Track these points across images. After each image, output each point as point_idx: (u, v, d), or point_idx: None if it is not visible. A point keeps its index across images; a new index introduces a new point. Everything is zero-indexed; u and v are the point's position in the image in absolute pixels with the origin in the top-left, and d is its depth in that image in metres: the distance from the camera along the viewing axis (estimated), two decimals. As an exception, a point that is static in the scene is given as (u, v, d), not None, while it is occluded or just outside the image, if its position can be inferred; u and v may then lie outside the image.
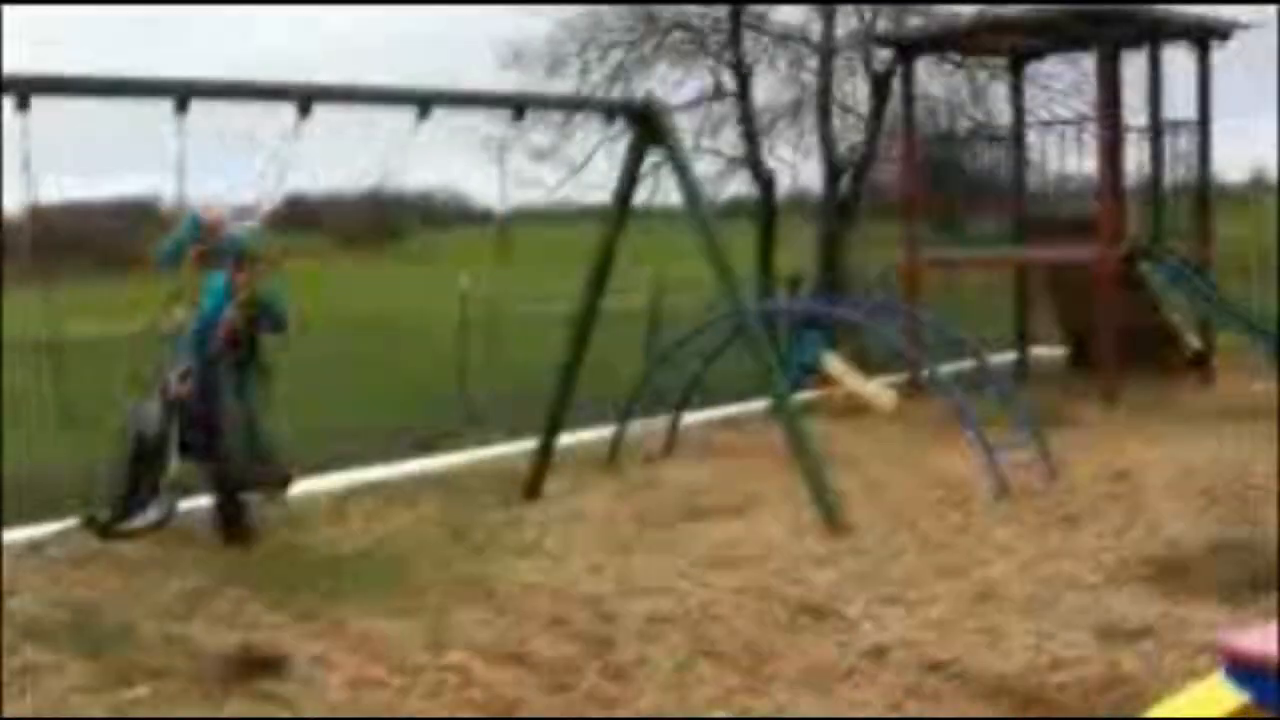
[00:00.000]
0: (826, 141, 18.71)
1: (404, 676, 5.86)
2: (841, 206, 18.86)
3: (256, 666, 5.97)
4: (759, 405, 11.68)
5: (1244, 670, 4.29)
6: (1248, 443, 10.62)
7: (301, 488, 9.26)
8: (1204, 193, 15.07)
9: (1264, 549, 7.46)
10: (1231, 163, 37.86)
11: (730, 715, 5.43)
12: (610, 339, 10.53)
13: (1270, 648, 4.34)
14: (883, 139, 18.84)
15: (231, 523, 8.20)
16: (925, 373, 11.56)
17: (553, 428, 9.46)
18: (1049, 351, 16.19)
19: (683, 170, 9.06)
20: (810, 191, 20.09)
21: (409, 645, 6.24)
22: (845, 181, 19.07)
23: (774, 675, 5.84)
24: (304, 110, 7.49)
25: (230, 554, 7.94)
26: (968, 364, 12.05)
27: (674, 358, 11.71)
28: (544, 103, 16.10)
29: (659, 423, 11.27)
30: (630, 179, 9.21)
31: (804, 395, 13.17)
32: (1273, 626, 4.53)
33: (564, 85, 18.80)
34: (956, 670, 5.82)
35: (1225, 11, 15.09)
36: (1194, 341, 14.79)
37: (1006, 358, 15.68)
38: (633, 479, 10.08)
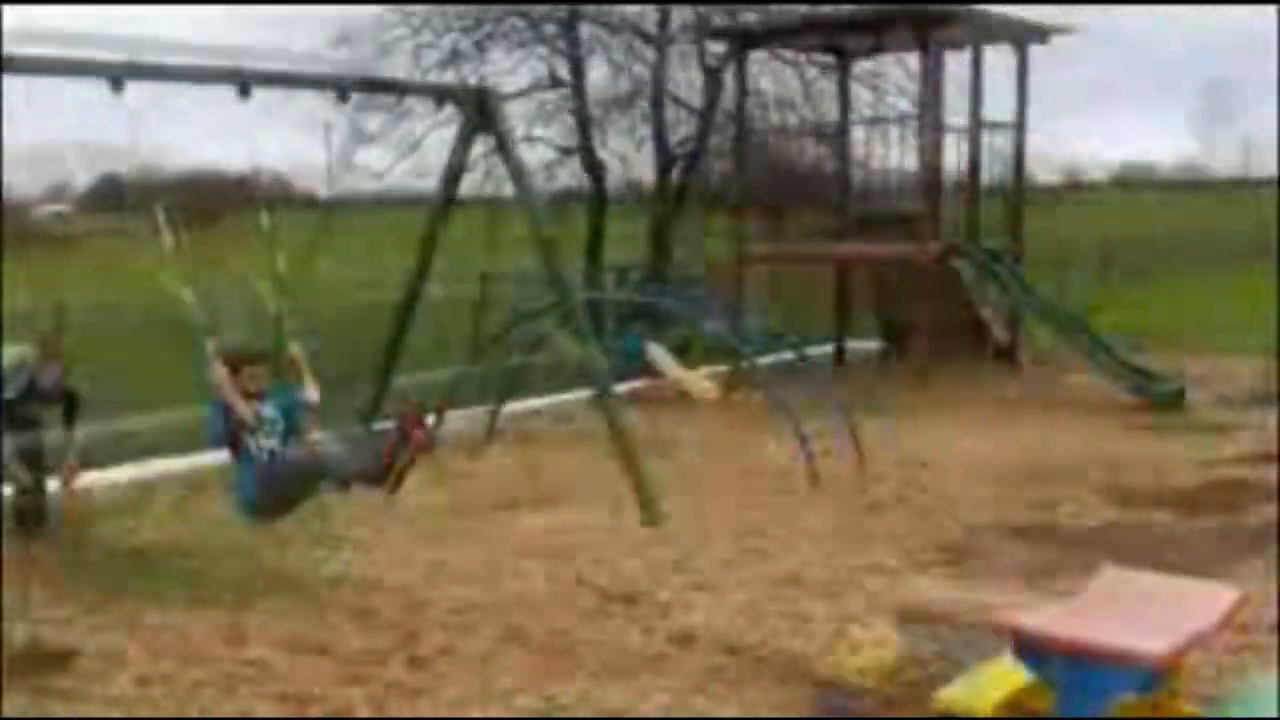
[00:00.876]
0: (659, 133, 18.80)
1: (198, 670, 5.69)
2: (673, 198, 18.98)
3: (42, 661, 5.73)
4: (582, 395, 11.69)
5: (1029, 650, 4.45)
6: (1047, 430, 11.05)
7: (103, 477, 8.94)
8: (1019, 191, 15.61)
9: (1058, 533, 7.75)
10: (1044, 163, 39.23)
11: (535, 701, 5.41)
12: (437, 327, 10.42)
13: (1052, 628, 4.51)
14: (715, 132, 19.00)
15: (25, 512, 7.85)
16: (746, 364, 11.70)
17: (369, 416, 9.29)
18: (868, 344, 16.58)
19: (512, 158, 8.99)
20: (642, 183, 20.13)
21: (206, 639, 6.07)
22: (677, 174, 19.18)
23: (580, 661, 5.85)
24: (116, 86, 7.22)
25: (19, 544, 7.59)
26: (789, 355, 12.25)
27: (498, 347, 11.63)
28: (371, 85, 15.75)
29: (480, 412, 11.19)
30: (458, 165, 9.11)
31: (628, 385, 13.24)
32: (1055, 608, 4.70)
33: (395, 69, 18.47)
34: (760, 654, 5.91)
35: (1053, 12, 15.67)
36: (1002, 334, 15.32)
37: (827, 350, 16.02)
38: (450, 469, 9.97)
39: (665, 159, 18.96)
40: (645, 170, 19.66)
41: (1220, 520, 7.97)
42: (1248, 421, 11.37)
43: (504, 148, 9.02)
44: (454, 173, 9.09)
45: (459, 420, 11.00)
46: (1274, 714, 4.40)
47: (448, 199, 9.15)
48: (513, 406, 11.73)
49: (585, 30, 18.94)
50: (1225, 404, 12.26)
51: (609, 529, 8.09)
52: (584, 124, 18.86)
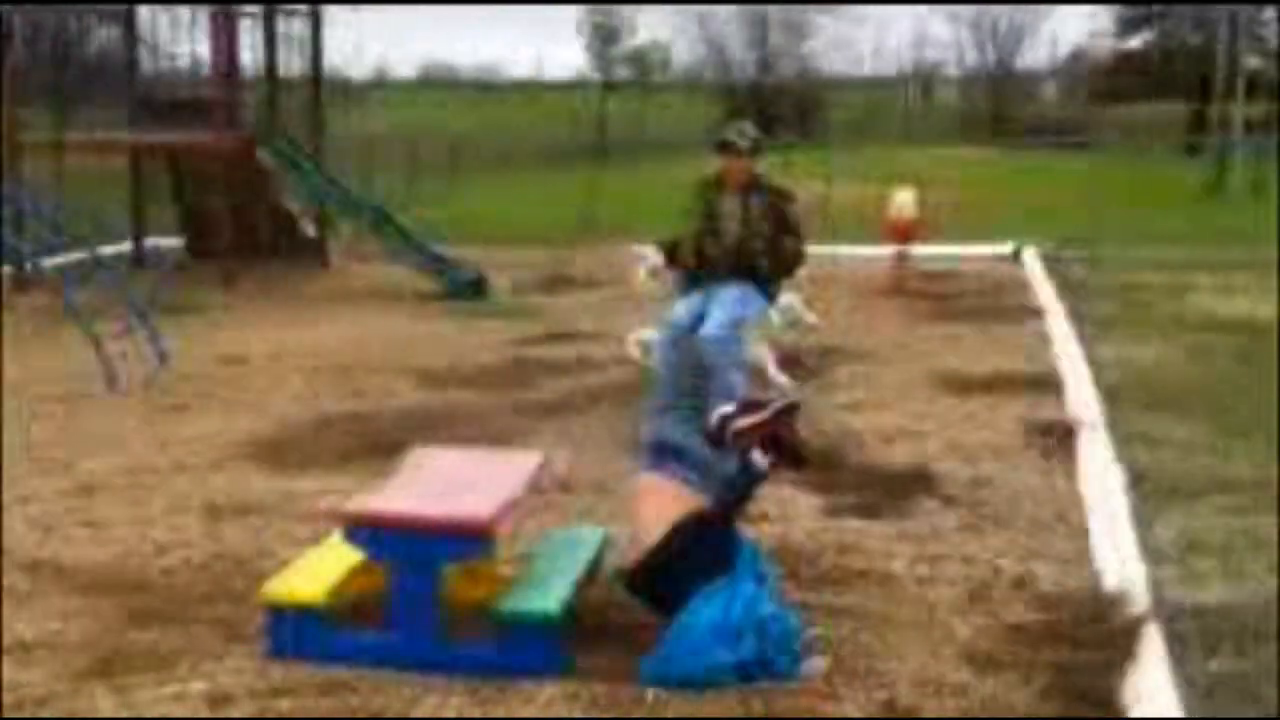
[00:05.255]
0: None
1: None
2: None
3: None
4: None
5: (359, 532, 4.50)
6: (357, 322, 11.22)
7: None
8: (317, 84, 15.53)
9: (371, 419, 7.87)
10: (354, 60, 39.55)
11: None
12: None
13: (378, 507, 4.58)
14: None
15: None
16: (31, 265, 10.71)
17: None
18: (171, 241, 15.82)
19: None
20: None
21: None
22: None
23: None
24: None
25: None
26: (80, 255, 11.36)
27: None
28: None
29: None
30: None
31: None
32: (381, 491, 4.77)
33: None
34: (58, 566, 5.47)
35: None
36: (309, 228, 15.27)
37: (123, 247, 15.10)
38: None
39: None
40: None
41: (515, 395, 8.51)
42: (541, 305, 12.27)
43: None
44: None
45: None
46: (577, 554, 4.81)
47: None
48: None
49: None
50: (521, 289, 13.10)
51: None
52: None
